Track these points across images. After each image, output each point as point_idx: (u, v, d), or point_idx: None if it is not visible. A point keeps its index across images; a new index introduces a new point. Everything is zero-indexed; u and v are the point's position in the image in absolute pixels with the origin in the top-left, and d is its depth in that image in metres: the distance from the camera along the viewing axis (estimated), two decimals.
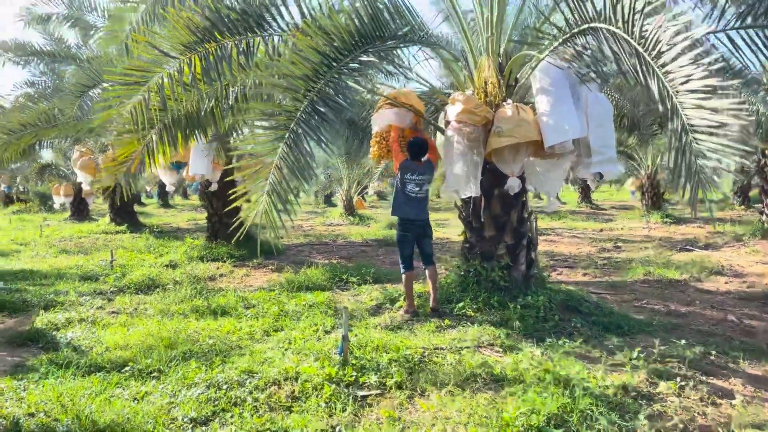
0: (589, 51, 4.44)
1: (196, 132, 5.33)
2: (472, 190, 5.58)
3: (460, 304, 5.89)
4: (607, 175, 5.70)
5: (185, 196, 45.19)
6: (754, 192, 25.41)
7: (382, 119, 5.97)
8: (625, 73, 3.90)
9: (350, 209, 20.97)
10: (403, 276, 5.97)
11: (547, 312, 5.56)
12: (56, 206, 24.23)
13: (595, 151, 5.56)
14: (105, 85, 8.36)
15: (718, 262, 9.46)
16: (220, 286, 8.50)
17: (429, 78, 7.29)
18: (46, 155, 24.24)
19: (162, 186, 28.00)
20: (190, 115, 5.14)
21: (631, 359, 4.53)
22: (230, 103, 5.13)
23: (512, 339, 5.04)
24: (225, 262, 10.29)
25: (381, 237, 14.04)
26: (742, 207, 21.95)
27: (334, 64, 3.77)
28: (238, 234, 3.88)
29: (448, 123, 5.75)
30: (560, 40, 4.76)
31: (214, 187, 11.05)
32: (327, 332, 5.53)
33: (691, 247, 11.29)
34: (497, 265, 6.04)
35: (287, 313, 6.29)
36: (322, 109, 3.66)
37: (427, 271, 6.02)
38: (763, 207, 11.57)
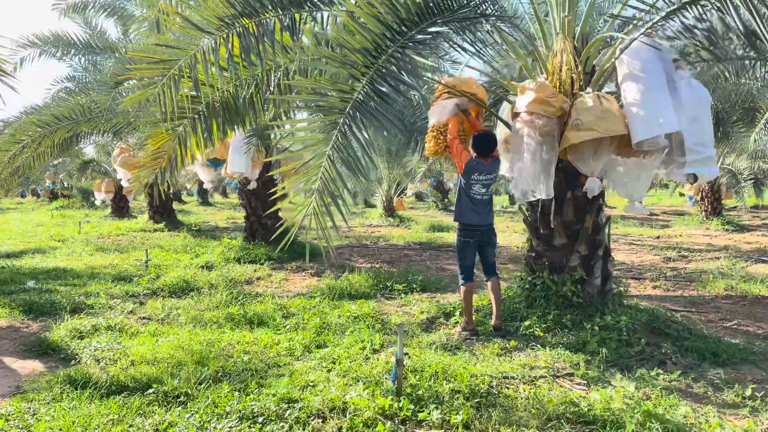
0: (706, 24, 3.68)
1: (234, 123, 4.75)
2: (544, 191, 4.86)
3: (527, 322, 5.17)
4: (702, 177, 4.90)
5: (225, 194, 45.36)
6: None
7: (442, 111, 5.28)
8: (758, 50, 3.14)
9: (390, 210, 20.34)
10: (462, 288, 5.28)
11: (630, 335, 4.79)
12: (97, 203, 24.32)
13: (690, 150, 4.78)
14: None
15: None
16: (257, 290, 7.95)
17: (487, 66, 6.56)
18: (89, 151, 24.35)
19: (201, 183, 27.88)
20: (226, 103, 4.56)
21: (744, 398, 3.75)
22: (272, 90, 4.53)
23: (594, 368, 4.30)
24: (263, 264, 9.76)
25: (424, 240, 13.36)
26: None
27: (398, 37, 3.10)
28: (285, 239, 3.26)
29: (516, 115, 5.04)
30: (665, 13, 3.98)
31: (252, 185, 10.54)
32: (375, 351, 4.88)
33: (767, 259, 10.27)
34: (569, 279, 5.29)
35: (330, 325, 5.66)
36: (383, 89, 3.00)
37: (489, 284, 5.31)
38: None
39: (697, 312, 6.43)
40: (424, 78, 3.33)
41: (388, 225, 18.91)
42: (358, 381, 4.05)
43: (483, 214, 5.25)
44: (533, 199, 5.06)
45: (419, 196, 37.76)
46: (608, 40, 5.09)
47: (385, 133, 3.04)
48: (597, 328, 4.84)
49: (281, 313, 6.39)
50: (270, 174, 10.49)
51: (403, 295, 7.40)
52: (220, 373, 4.33)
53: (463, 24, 3.27)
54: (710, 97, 4.92)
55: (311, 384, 4.10)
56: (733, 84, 7.31)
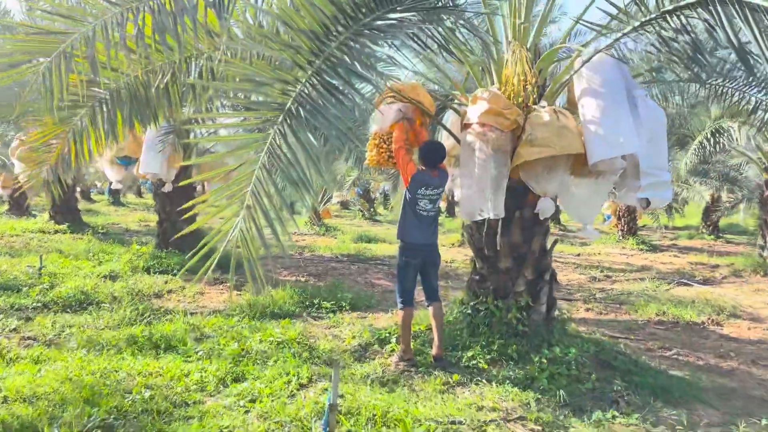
0: (687, 37, 3.35)
1: (144, 116, 4.03)
2: (493, 210, 4.44)
3: (470, 353, 4.73)
4: (655, 202, 4.65)
5: (139, 194, 42.92)
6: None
7: (385, 117, 4.78)
8: (750, 69, 2.83)
9: (317, 219, 19.66)
10: (400, 313, 4.77)
11: (580, 369, 4.44)
12: None
13: (645, 173, 4.49)
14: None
15: (726, 302, 8.56)
16: (167, 305, 7.13)
17: (433, 72, 6.13)
18: None
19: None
20: (135, 92, 3.85)
21: None
22: (193, 79, 3.86)
23: (547, 409, 3.90)
24: (175, 275, 8.89)
25: (352, 252, 12.81)
26: (712, 237, 21.51)
27: (351, 22, 2.57)
28: (209, 263, 2.65)
29: (466, 126, 4.61)
30: (640, 21, 3.63)
31: (168, 187, 9.63)
32: (303, 386, 4.29)
33: (689, 282, 10.43)
34: (515, 305, 4.90)
35: (250, 352, 5.00)
36: (334, 81, 2.44)
37: (430, 309, 4.83)
38: (765, 242, 10.83)
39: (636, 339, 6.23)
40: (380, 72, 2.78)
41: (314, 234, 18.24)
42: (283, 427, 3.46)
43: (428, 233, 4.78)
44: (480, 218, 4.63)
45: (345, 205, 37.16)
46: (563, 51, 4.75)
47: (333, 134, 2.45)
48: (545, 361, 4.46)
49: (194, 335, 5.66)
50: (190, 179, 9.64)
51: (331, 315, 6.83)
52: (113, 416, 3.61)
53: (426, 15, 2.78)
54: (665, 118, 4.67)
55: (225, 430, 3.47)
56: (671, 107, 7.26)
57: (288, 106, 2.42)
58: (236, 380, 4.41)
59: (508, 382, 4.29)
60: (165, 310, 6.78)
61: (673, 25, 3.29)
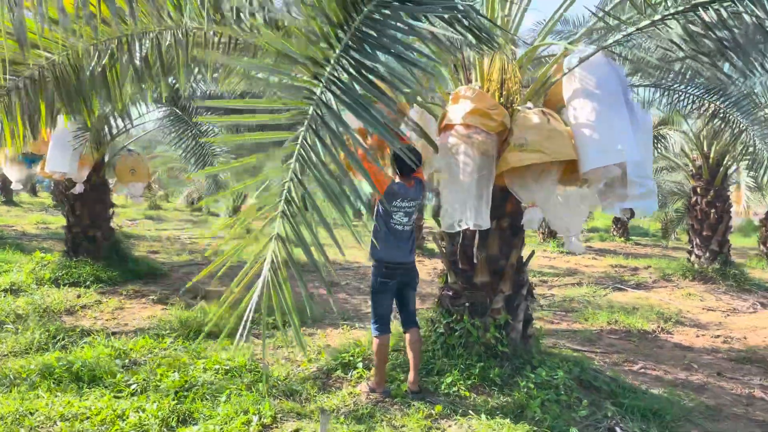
0: (725, 32, 3.02)
1: (74, 107, 3.26)
2: (477, 220, 4.01)
3: (449, 378, 4.27)
4: (639, 212, 4.39)
5: (33, 192, 39.56)
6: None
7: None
8: None
9: None
10: (375, 341, 4.22)
11: (569, 394, 4.10)
12: None
13: (633, 182, 4.21)
14: None
15: (669, 308, 8.64)
16: (82, 324, 6.23)
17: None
18: None
19: (5, 179, 23.75)
20: (62, 77, 3.09)
21: None
22: (138, 62, 3.14)
23: None
24: (89, 287, 7.89)
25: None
26: (623, 239, 22.33)
27: None
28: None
29: (447, 128, 4.15)
30: (662, 15, 3.27)
31: (78, 188, 8.56)
32: (266, 426, 3.67)
33: (623, 286, 10.54)
34: (492, 324, 4.50)
35: (195, 385, 4.30)
36: (366, 62, 1.86)
37: (407, 336, 4.30)
38: (692, 247, 11.15)
39: (600, 353, 6.02)
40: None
41: (236, 237, 17.27)
42: None
43: (405, 250, 4.28)
44: (460, 229, 4.18)
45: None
46: (541, 51, 4.41)
47: (380, 132, 1.87)
48: (532, 386, 4.09)
49: (121, 362, 4.88)
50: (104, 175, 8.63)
51: (277, 332, 6.18)
52: None
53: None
54: (651, 124, 4.43)
55: None
56: None
57: (320, 94, 1.86)
58: (183, 421, 3.73)
59: (496, 411, 3.87)
60: (82, 331, 5.89)
61: (709, 18, 2.98)
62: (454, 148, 4.03)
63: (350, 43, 1.87)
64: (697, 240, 11.03)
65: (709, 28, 2.98)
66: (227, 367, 4.64)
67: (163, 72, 3.19)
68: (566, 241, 4.47)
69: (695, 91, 5.89)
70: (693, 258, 11.05)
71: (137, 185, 9.37)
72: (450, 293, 4.75)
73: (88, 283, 8.03)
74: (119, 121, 6.58)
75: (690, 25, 3.09)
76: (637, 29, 3.49)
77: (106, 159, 9.10)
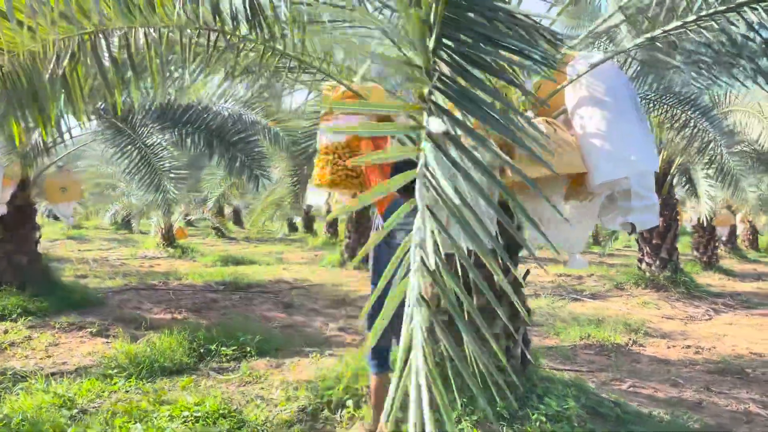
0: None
1: (27, 115, 2.65)
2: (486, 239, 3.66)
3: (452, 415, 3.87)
4: (640, 226, 4.17)
5: None
6: None
7: (345, 127, 3.82)
8: None
9: (169, 239, 17.65)
10: (373, 379, 3.77)
11: (582, 425, 3.79)
12: None
13: (636, 194, 4.00)
14: None
15: (635, 319, 8.62)
16: (12, 365, 5.46)
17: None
18: None
19: None
20: (14, 80, 2.49)
21: None
22: (106, 62, 2.60)
23: None
24: (16, 321, 7.02)
25: (228, 278, 11.37)
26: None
27: None
28: None
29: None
30: (698, 15, 3.01)
31: (1, 210, 7.65)
32: None
33: (579, 297, 10.52)
34: (492, 350, 4.15)
35: None
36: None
37: None
38: (643, 255, 11.29)
39: (587, 371, 5.80)
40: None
41: (169, 257, 16.31)
42: None
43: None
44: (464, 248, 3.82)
45: (189, 222, 34.41)
46: None
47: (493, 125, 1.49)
48: (544, 418, 3.76)
49: (68, 411, 4.21)
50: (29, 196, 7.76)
51: (238, 365, 5.62)
52: None
53: None
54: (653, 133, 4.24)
55: None
56: None
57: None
58: None
59: None
60: (14, 374, 5.14)
61: (756, 17, 2.75)
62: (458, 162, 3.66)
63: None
64: (647, 248, 11.18)
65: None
66: (197, 414, 4.06)
67: (135, 74, 2.66)
68: (569, 259, 4.18)
69: (669, 100, 5.81)
70: (644, 266, 11.19)
71: (68, 205, 8.51)
72: (445, 318, 4.36)
73: (14, 316, 7.16)
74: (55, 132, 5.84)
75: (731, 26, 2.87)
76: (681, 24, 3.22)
77: (32, 177, 8.22)
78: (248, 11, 3.14)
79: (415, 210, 3.61)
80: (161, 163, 6.23)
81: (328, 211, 21.39)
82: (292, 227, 32.42)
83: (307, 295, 10.38)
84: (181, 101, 6.37)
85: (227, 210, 32.75)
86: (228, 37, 3.12)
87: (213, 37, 3.07)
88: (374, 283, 3.83)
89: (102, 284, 10.31)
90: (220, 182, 14.01)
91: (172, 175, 6.35)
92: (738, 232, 22.69)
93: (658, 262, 10.99)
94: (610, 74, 3.69)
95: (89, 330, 6.86)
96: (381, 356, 3.76)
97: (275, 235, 27.49)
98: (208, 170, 13.87)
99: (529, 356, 4.49)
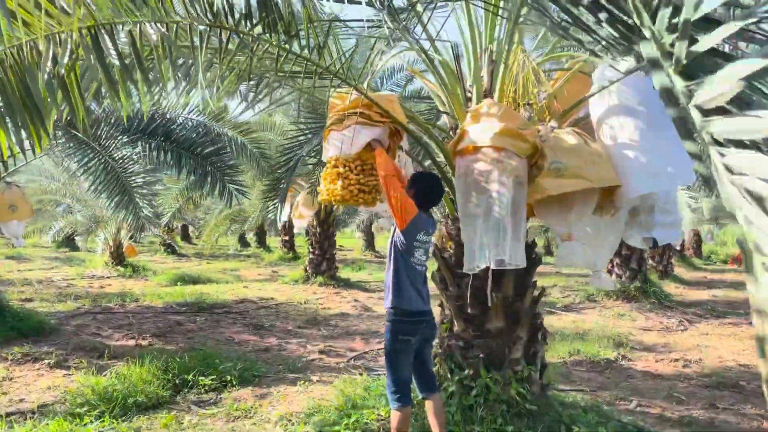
0: None
1: (18, 123, 2.20)
2: (514, 259, 3.39)
3: None
4: (662, 240, 4.00)
5: None
6: None
7: (356, 139, 3.48)
8: None
9: (119, 257, 16.73)
10: (396, 415, 3.40)
11: None
12: None
13: (662, 209, 3.83)
14: None
15: (618, 332, 8.54)
16: None
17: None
18: None
19: None
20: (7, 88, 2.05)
21: None
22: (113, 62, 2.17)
23: None
24: None
25: (189, 299, 10.74)
26: None
27: None
28: None
29: (469, 151, 3.51)
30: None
31: None
32: None
33: (553, 310, 10.42)
34: (513, 377, 3.88)
35: None
36: None
37: (430, 404, 3.52)
38: (613, 266, 11.32)
39: (590, 391, 5.60)
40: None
41: (119, 276, 15.43)
42: None
43: (425, 295, 3.56)
44: (480, 269, 3.54)
45: (133, 238, 33.02)
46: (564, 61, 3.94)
47: None
48: None
49: None
50: None
51: (219, 396, 5.17)
52: None
53: None
54: None
55: None
56: None
57: None
58: None
59: None
60: None
61: None
62: (484, 176, 3.39)
63: None
64: (617, 259, 11.22)
65: None
66: None
67: (143, 72, 2.25)
68: (593, 277, 3.95)
69: None
70: (614, 277, 11.22)
71: (18, 224, 7.81)
72: (460, 344, 4.06)
73: None
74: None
75: None
76: None
77: None
78: (260, 7, 2.79)
79: (429, 225, 3.31)
80: (131, 178, 5.72)
81: (285, 226, 20.81)
82: (244, 242, 31.56)
83: (275, 314, 9.90)
84: (158, 109, 5.90)
85: (176, 225, 31.61)
86: (241, 36, 2.75)
87: (225, 36, 2.70)
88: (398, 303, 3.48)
89: (52, 308, 9.54)
90: (177, 196, 13.33)
91: (144, 191, 5.83)
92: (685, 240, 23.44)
93: (628, 273, 11.04)
94: (643, 83, 3.49)
95: (46, 361, 6.23)
96: (403, 390, 3.42)
97: (227, 250, 26.67)
98: (168, 182, 13.21)
99: (546, 381, 4.25)
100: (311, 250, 13.88)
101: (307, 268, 13.83)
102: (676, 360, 6.97)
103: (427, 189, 3.53)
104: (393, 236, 3.55)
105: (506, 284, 3.99)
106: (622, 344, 7.56)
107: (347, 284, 13.61)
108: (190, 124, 7.84)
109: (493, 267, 3.45)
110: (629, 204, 3.64)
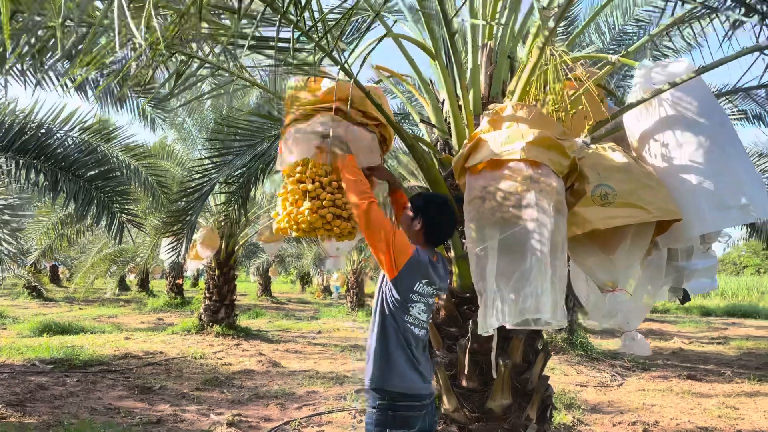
0: None
1: None
2: (555, 315, 2.43)
3: None
4: (695, 292, 3.25)
5: None
6: None
7: (309, 141, 2.44)
8: None
9: None
10: None
11: None
12: None
13: (702, 252, 3.08)
14: None
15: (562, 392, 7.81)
16: None
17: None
18: None
19: None
20: None
21: None
22: None
23: None
24: None
25: (57, 353, 8.86)
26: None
27: None
28: None
29: (475, 170, 2.57)
30: None
31: None
32: None
33: None
34: None
35: None
36: None
37: None
38: None
39: None
40: None
41: None
42: None
43: (427, 368, 2.51)
44: (493, 329, 2.56)
45: None
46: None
47: None
48: None
49: None
50: None
51: None
52: None
53: None
54: None
55: None
56: None
57: None
58: None
59: None
60: None
61: None
62: (513, 200, 2.43)
63: None
64: None
65: None
66: None
67: None
68: (625, 340, 3.06)
69: None
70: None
71: None
72: (453, 429, 3.01)
73: None
74: None
75: None
76: None
77: None
78: None
79: (436, 271, 2.30)
80: None
81: (175, 268, 18.82)
82: (124, 286, 28.68)
83: (166, 373, 8.32)
84: (28, 121, 4.53)
85: (44, 264, 28.20)
86: None
87: None
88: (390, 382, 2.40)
89: None
90: (48, 232, 11.35)
91: (6, 216, 4.36)
92: None
93: None
94: (703, 88, 2.75)
95: None
96: None
97: (103, 294, 23.96)
98: (40, 214, 11.23)
99: None
100: (207, 295, 12.30)
101: (202, 315, 12.22)
102: (634, 423, 6.31)
103: (436, 216, 2.52)
104: (380, 285, 2.50)
105: (514, 347, 3.03)
106: (571, 405, 6.82)
107: (248, 334, 12.15)
108: (70, 141, 6.40)
109: (512, 326, 2.48)
110: (679, 245, 2.84)
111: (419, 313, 2.47)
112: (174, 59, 2.66)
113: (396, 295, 2.40)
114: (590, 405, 7.13)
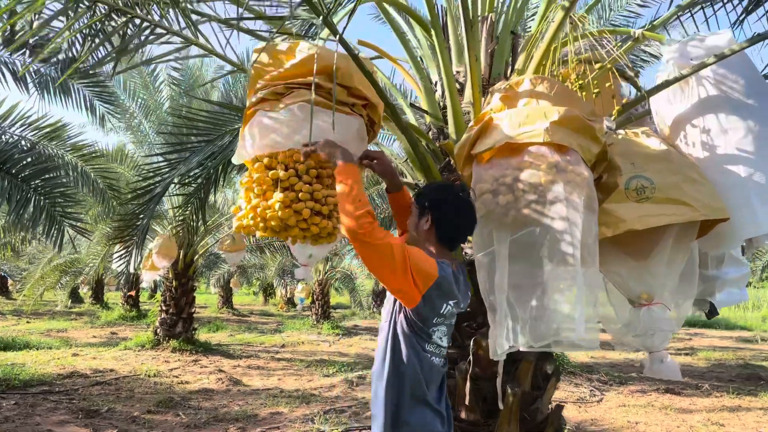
0: None
1: None
2: (586, 333, 1.96)
3: None
4: (723, 304, 2.84)
5: None
6: None
7: (293, 126, 1.93)
8: None
9: None
10: None
11: None
12: None
13: (734, 259, 2.68)
14: None
15: None
16: None
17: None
18: None
19: None
20: None
21: None
22: None
23: None
24: None
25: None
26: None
27: None
28: None
29: (482, 158, 2.09)
30: None
31: None
32: None
33: None
34: None
35: None
36: None
37: None
38: None
39: None
40: None
41: None
42: None
43: (445, 408, 2.00)
44: (510, 350, 2.08)
45: None
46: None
47: None
48: None
49: None
50: None
51: None
52: None
53: None
54: None
55: None
56: None
57: None
58: None
59: None
60: None
61: None
62: (536, 192, 1.96)
63: None
64: None
65: None
66: None
67: None
68: (652, 362, 2.60)
69: None
70: None
71: None
72: None
73: None
74: None
75: None
76: None
77: None
78: None
79: (461, 284, 1.80)
80: None
81: (131, 279, 17.89)
82: (77, 298, 27.34)
83: (115, 393, 7.59)
84: None
85: None
86: None
87: None
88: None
89: None
90: None
91: None
92: None
93: None
94: (748, 65, 2.33)
95: None
96: None
97: (54, 307, 22.72)
98: None
99: None
100: (164, 308, 11.55)
101: (158, 329, 11.46)
102: None
103: (450, 209, 2.01)
104: (393, 310, 1.98)
105: (523, 371, 2.55)
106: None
107: (206, 349, 11.43)
108: (7, 136, 5.74)
109: (527, 348, 2.00)
110: (721, 250, 2.41)
111: (440, 338, 1.96)
112: (115, 23, 2.16)
113: (418, 323, 1.89)
114: (573, 424, 6.73)
